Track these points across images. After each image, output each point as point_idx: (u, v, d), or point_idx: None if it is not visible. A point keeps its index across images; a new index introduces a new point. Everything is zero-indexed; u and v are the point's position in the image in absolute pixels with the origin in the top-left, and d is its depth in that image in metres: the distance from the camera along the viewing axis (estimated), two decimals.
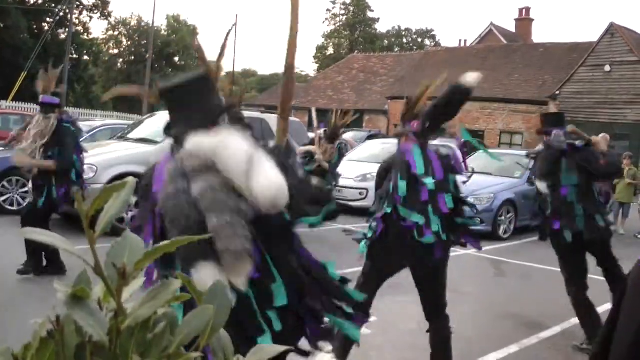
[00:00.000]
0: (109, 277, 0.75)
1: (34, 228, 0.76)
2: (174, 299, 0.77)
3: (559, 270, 9.02)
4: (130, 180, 0.79)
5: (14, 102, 27.98)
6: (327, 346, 3.26)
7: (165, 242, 0.76)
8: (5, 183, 10.96)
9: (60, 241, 0.74)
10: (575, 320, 6.72)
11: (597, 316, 5.72)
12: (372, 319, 6.35)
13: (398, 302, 7.14)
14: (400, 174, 4.45)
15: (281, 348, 0.84)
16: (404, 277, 8.33)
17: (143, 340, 0.75)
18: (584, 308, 5.82)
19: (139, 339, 0.75)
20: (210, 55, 3.03)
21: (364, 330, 5.96)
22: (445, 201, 4.33)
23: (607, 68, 27.50)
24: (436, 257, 4.44)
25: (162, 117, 11.93)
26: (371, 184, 8.06)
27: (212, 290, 0.81)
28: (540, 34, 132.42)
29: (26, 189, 10.83)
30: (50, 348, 0.74)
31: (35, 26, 41.41)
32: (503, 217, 11.82)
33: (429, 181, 4.30)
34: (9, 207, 10.94)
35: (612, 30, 28.09)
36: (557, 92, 29.14)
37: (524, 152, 14.98)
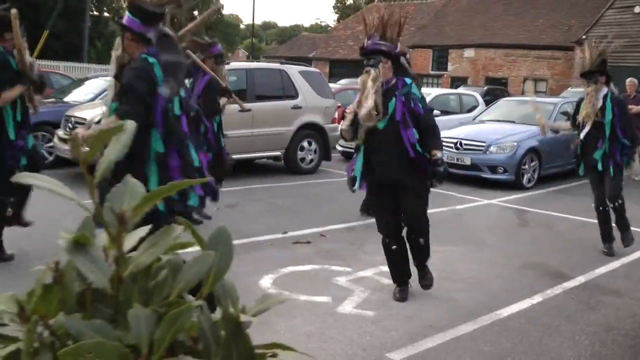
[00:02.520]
0: (109, 223, 0.73)
1: (30, 173, 0.75)
2: (177, 246, 0.75)
3: (582, 219, 8.99)
4: (130, 123, 0.77)
5: (38, 60, 27.99)
6: None
7: (164, 187, 0.74)
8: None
9: (58, 187, 0.73)
10: (599, 271, 6.70)
11: None
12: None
13: None
14: None
15: (283, 298, 0.83)
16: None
17: (145, 287, 0.74)
18: None
19: (141, 286, 0.74)
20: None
21: (386, 280, 5.99)
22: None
23: (637, 9, 26.72)
24: None
25: None
26: None
27: (214, 236, 0.79)
28: None
29: (52, 143, 10.93)
30: (53, 294, 0.73)
31: None
32: (527, 166, 11.69)
33: None
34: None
35: None
36: (584, 37, 28.48)
37: (548, 99, 14.77)
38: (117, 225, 0.72)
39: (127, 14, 4.08)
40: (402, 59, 5.39)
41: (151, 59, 4.00)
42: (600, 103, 7.17)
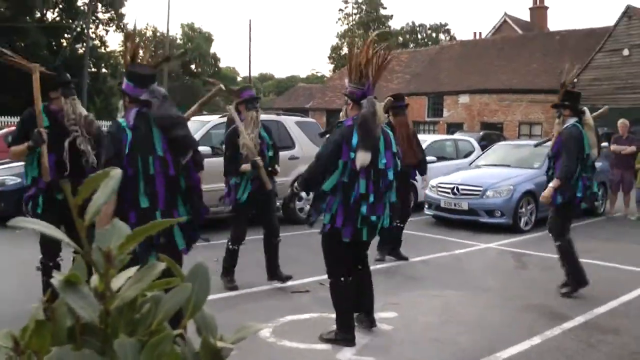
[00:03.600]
0: (97, 261, 0.79)
1: (24, 217, 0.81)
2: (162, 284, 0.81)
3: (582, 261, 9.00)
4: (117, 170, 0.83)
5: None
6: None
7: (146, 226, 0.81)
8: None
9: (49, 229, 0.79)
10: (597, 310, 6.70)
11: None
12: (392, 314, 6.39)
13: (418, 296, 7.15)
14: None
15: (261, 327, 0.88)
16: (423, 272, 8.37)
17: (131, 319, 0.80)
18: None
19: (127, 319, 0.79)
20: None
21: (385, 326, 6.01)
22: None
23: (626, 52, 27.17)
24: None
25: None
26: None
27: (193, 271, 0.85)
28: (555, 22, 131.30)
29: None
30: (46, 330, 0.78)
31: (54, 43, 41.90)
32: (524, 209, 11.76)
33: None
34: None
35: (629, 13, 27.71)
36: (575, 80, 28.85)
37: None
38: (104, 263, 0.78)
39: (124, 79, 4.45)
40: (364, 101, 5.39)
41: (123, 122, 4.31)
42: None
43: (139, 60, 4.60)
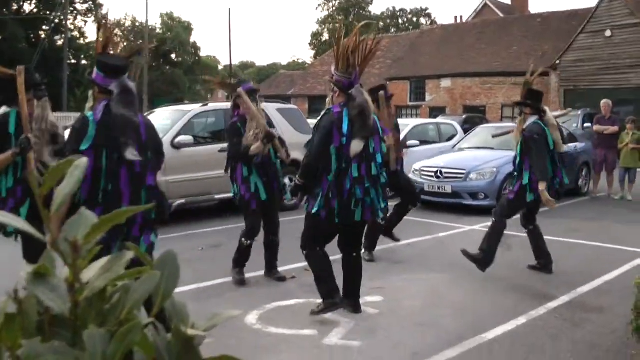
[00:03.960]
0: (65, 252, 0.78)
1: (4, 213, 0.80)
2: (132, 273, 0.80)
3: (565, 240, 9.09)
4: (83, 159, 0.82)
5: None
6: None
7: (112, 214, 0.80)
8: None
9: (16, 221, 0.78)
10: (582, 289, 6.76)
11: None
12: (378, 298, 6.42)
13: (403, 280, 7.18)
14: None
15: (234, 313, 0.88)
16: (408, 256, 8.40)
17: (100, 310, 0.79)
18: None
19: (97, 309, 0.79)
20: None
21: (371, 310, 6.03)
22: None
23: (608, 33, 27.24)
24: None
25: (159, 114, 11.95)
26: None
27: (162, 259, 0.84)
28: (536, 4, 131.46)
29: None
30: (15, 323, 0.77)
31: (32, 35, 41.49)
32: (507, 191, 11.80)
33: None
34: None
35: None
36: (558, 62, 28.97)
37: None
38: (71, 253, 0.77)
39: (94, 69, 4.35)
40: (353, 90, 5.54)
41: (90, 116, 4.22)
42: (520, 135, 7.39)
43: (111, 51, 4.51)
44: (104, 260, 0.86)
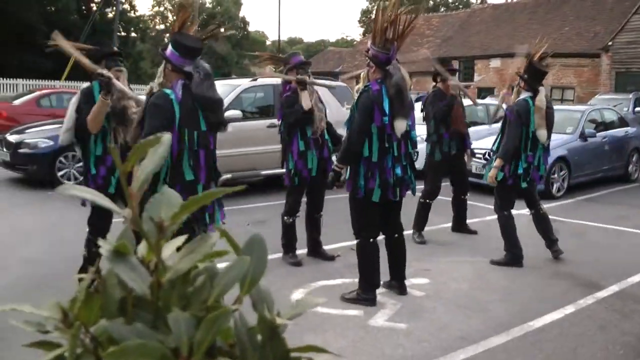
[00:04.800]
0: (148, 231, 0.76)
1: (71, 185, 0.78)
2: (214, 254, 0.78)
3: (614, 227, 8.90)
4: (167, 136, 0.80)
5: (67, 82, 28.57)
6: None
7: (201, 195, 0.77)
8: (62, 159, 11.26)
9: (97, 197, 0.76)
10: (632, 279, 6.61)
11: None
12: (424, 280, 6.37)
13: (449, 263, 7.12)
14: None
15: (318, 301, 0.85)
16: (454, 238, 8.32)
17: (184, 293, 0.77)
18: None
19: (180, 292, 0.76)
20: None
21: (417, 292, 5.99)
22: None
23: None
24: None
25: None
26: None
27: (250, 242, 0.81)
28: None
29: (82, 163, 11.07)
30: (95, 301, 0.76)
31: (83, 7, 41.96)
32: (556, 175, 11.58)
33: None
34: (67, 182, 11.23)
35: None
36: (610, 43, 28.21)
37: (575, 107, 14.60)
38: (156, 234, 0.75)
39: (169, 46, 4.41)
40: (390, 67, 5.46)
41: (171, 94, 4.27)
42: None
43: (188, 31, 4.52)
44: (180, 239, 0.84)
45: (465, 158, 8.75)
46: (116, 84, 5.05)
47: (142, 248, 0.83)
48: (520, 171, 6.99)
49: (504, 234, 7.15)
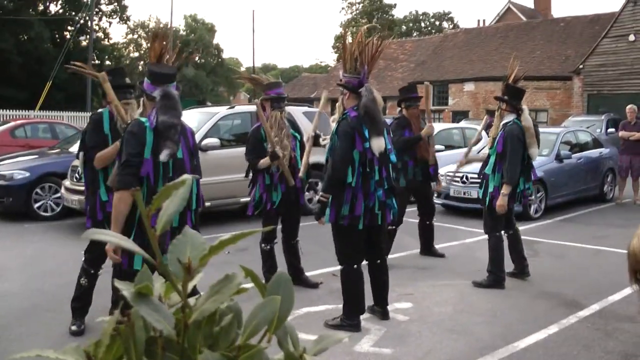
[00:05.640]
0: (174, 272, 0.76)
1: (97, 229, 0.78)
2: (236, 292, 0.79)
3: (592, 247, 9.00)
4: (188, 178, 0.81)
5: (42, 111, 28.36)
6: None
7: (228, 237, 0.78)
8: (38, 190, 11.14)
9: (122, 240, 0.76)
10: (612, 298, 6.67)
11: None
12: (407, 305, 6.38)
13: (432, 286, 7.14)
14: None
15: (344, 335, 0.86)
16: (434, 262, 8.35)
17: (210, 333, 0.77)
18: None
19: (206, 332, 0.77)
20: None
21: (401, 316, 6.00)
22: None
23: (632, 37, 26.96)
24: None
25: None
26: None
27: (276, 280, 0.82)
28: (559, 8, 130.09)
29: (59, 194, 10.97)
30: (118, 344, 0.76)
31: (57, 35, 41.81)
32: (533, 197, 11.70)
33: None
34: (43, 213, 11.11)
35: None
36: (581, 66, 28.73)
37: (550, 129, 14.79)
38: (184, 275, 0.76)
39: (145, 77, 4.49)
40: (362, 89, 5.50)
41: (146, 122, 4.31)
42: (498, 132, 7.20)
43: (165, 61, 4.62)
44: (199, 277, 0.85)
45: (433, 186, 8.81)
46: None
47: (159, 288, 0.84)
48: (518, 191, 7.11)
49: (493, 255, 7.17)
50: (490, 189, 7.10)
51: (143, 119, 4.34)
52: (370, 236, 5.72)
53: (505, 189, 6.93)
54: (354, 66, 5.55)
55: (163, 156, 4.21)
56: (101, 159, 5.27)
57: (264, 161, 6.70)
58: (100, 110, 5.49)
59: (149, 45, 5.07)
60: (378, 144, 5.39)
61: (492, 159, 7.17)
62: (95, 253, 5.42)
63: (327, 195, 5.53)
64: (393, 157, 5.71)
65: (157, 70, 4.41)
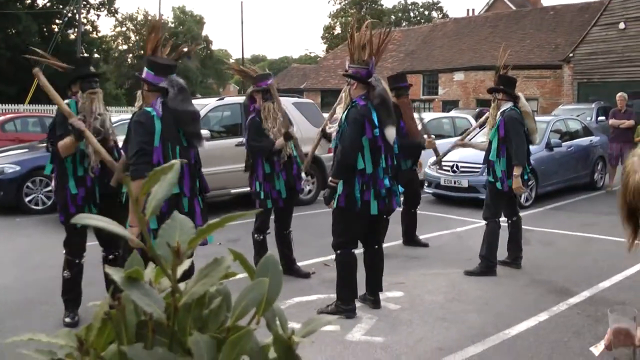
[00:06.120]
0: (163, 256, 0.77)
1: (86, 214, 0.79)
2: (225, 276, 0.80)
3: (583, 235, 9.05)
4: (176, 162, 0.82)
5: (31, 105, 28.23)
6: None
7: (216, 220, 0.79)
8: (29, 184, 11.10)
9: (111, 224, 0.77)
10: (603, 285, 6.73)
11: None
12: (398, 294, 6.41)
13: (423, 275, 7.17)
14: None
15: (332, 318, 0.87)
16: (425, 251, 8.38)
17: (199, 315, 0.78)
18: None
19: (196, 315, 0.78)
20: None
21: (393, 305, 6.03)
22: None
23: (622, 25, 26.99)
24: None
25: None
26: None
27: (264, 263, 0.84)
28: None
29: (49, 188, 10.93)
30: (109, 328, 0.77)
31: (45, 29, 41.53)
32: (531, 181, 11.74)
33: None
34: (34, 207, 11.09)
35: None
36: (571, 55, 28.78)
37: (540, 118, 14.84)
38: (173, 258, 0.77)
39: (144, 69, 4.67)
40: (372, 79, 5.62)
41: (152, 112, 4.53)
42: (497, 120, 7.24)
43: (160, 54, 4.80)
44: (188, 262, 0.86)
45: (420, 175, 8.88)
46: (89, 136, 5.15)
47: (149, 272, 0.85)
48: (525, 178, 7.22)
49: (489, 240, 7.21)
50: (499, 174, 7.14)
51: (149, 109, 4.53)
52: (372, 222, 5.76)
53: (516, 170, 7.01)
54: (362, 57, 5.62)
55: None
56: (64, 146, 5.19)
57: (280, 141, 6.70)
58: (66, 101, 5.42)
59: (145, 37, 5.12)
60: (391, 133, 5.54)
61: (494, 145, 7.21)
62: (73, 244, 5.49)
63: (336, 180, 5.59)
64: (396, 147, 5.79)
65: (160, 62, 4.60)
